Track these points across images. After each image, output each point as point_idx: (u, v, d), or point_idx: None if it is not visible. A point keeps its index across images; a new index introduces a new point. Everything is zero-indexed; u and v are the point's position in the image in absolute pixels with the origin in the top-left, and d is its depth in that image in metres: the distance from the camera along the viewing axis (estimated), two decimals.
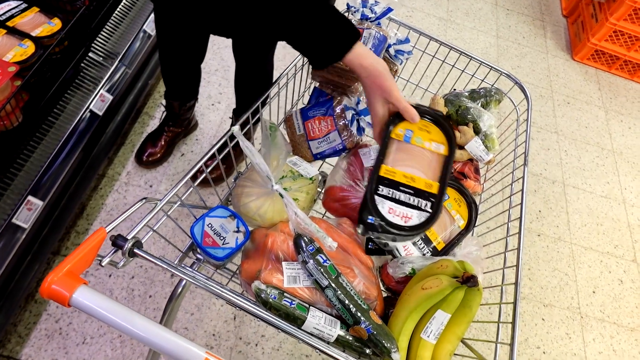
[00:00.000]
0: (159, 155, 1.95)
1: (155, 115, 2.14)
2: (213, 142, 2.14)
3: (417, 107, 0.98)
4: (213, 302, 1.78)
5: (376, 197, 0.91)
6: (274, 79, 1.77)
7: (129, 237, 0.74)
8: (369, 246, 1.07)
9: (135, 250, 0.74)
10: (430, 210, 0.92)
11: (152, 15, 2.00)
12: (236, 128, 0.94)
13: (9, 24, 1.46)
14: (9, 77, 1.29)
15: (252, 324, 1.77)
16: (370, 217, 0.89)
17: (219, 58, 2.43)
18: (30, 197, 1.43)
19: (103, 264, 0.72)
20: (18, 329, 1.55)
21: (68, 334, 1.58)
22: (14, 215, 1.39)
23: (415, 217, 0.92)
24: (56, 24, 1.52)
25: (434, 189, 0.94)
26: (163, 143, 1.96)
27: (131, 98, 1.88)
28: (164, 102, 1.90)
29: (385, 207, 0.90)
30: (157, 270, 1.77)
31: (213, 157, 1.00)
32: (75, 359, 1.55)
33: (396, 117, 0.98)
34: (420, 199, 0.92)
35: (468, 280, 0.91)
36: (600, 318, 2.16)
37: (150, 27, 1.97)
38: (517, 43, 3.25)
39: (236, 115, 1.90)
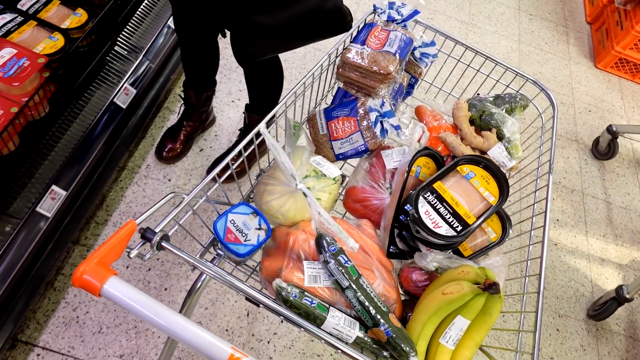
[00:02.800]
0: (178, 150, 1.96)
1: (175, 110, 2.16)
2: (232, 139, 2.15)
3: (489, 162, 1.10)
4: (227, 297, 1.79)
5: (421, 197, 1.03)
6: (292, 79, 1.78)
7: (156, 230, 0.75)
8: (390, 249, 1.07)
9: (163, 244, 0.75)
10: (458, 232, 1.01)
11: None
12: (263, 126, 0.95)
13: (39, 16, 1.48)
14: (38, 69, 1.32)
15: (264, 321, 1.78)
16: (409, 205, 1.01)
17: None
18: (54, 187, 1.45)
19: (131, 256, 0.73)
20: (37, 316, 1.57)
21: (85, 323, 1.60)
22: (38, 204, 1.41)
23: (443, 229, 1.01)
24: (82, 15, 1.54)
25: (470, 220, 1.03)
26: (182, 138, 1.98)
27: (153, 92, 1.90)
28: (182, 94, 1.91)
29: (423, 208, 1.03)
30: (173, 263, 1.79)
31: (238, 154, 1.00)
32: (91, 347, 1.58)
33: (465, 159, 1.12)
34: (455, 220, 1.02)
35: (490, 287, 0.91)
36: (616, 331, 2.13)
37: None
38: (539, 49, 3.21)
39: (248, 111, 1.90)
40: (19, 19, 1.46)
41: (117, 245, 0.69)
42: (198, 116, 1.97)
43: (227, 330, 1.72)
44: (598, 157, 2.73)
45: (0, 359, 1.39)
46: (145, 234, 0.73)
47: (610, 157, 2.69)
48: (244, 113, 1.93)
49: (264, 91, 1.82)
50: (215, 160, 1.99)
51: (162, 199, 0.79)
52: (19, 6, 1.48)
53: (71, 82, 1.49)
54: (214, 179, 0.92)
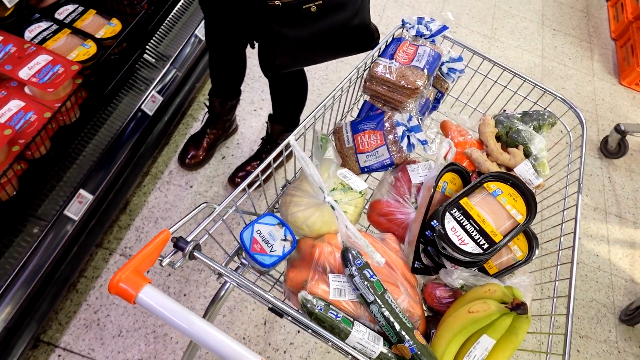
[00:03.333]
0: (201, 157, 1.99)
1: (198, 117, 2.19)
2: (253, 147, 2.17)
3: (517, 179, 1.09)
4: (245, 305, 1.79)
5: (447, 213, 1.03)
6: (314, 89, 1.79)
7: (188, 240, 0.76)
8: (415, 265, 1.07)
9: (195, 253, 0.75)
10: (484, 250, 1.00)
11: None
12: (292, 138, 0.96)
13: (75, 25, 1.52)
14: (71, 76, 1.35)
15: (281, 331, 1.78)
16: (435, 221, 1.01)
17: None
18: (81, 190, 1.48)
19: (163, 264, 0.74)
20: (59, 317, 1.60)
21: (105, 326, 1.62)
22: (66, 207, 1.44)
23: (469, 246, 1.00)
24: (116, 25, 1.58)
25: (497, 238, 1.01)
26: (205, 145, 2.00)
27: (178, 100, 1.93)
28: (207, 102, 1.94)
29: (450, 224, 1.02)
30: (193, 269, 1.80)
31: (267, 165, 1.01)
32: (110, 350, 1.59)
33: (492, 176, 1.11)
34: (481, 237, 1.01)
35: (518, 307, 0.90)
36: (639, 354, 2.08)
37: (201, 32, 2.02)
38: (562, 64, 3.19)
39: (271, 121, 1.92)
40: (54, 27, 1.50)
41: (151, 254, 0.71)
42: (222, 124, 2.00)
43: (244, 338, 1.73)
44: (607, 156, 2.76)
45: (22, 359, 1.41)
46: (178, 243, 0.74)
47: (622, 155, 2.72)
48: (266, 122, 1.95)
49: (288, 102, 1.84)
50: (236, 169, 2.00)
51: (195, 209, 0.81)
52: (56, 15, 1.53)
53: (102, 89, 1.53)
54: (243, 190, 0.93)
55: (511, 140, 1.30)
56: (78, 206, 1.46)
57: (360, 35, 1.36)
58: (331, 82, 2.54)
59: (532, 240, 1.10)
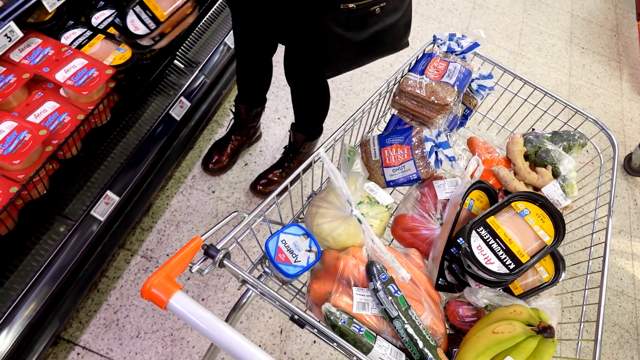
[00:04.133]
0: (224, 163, 2.01)
1: (223, 123, 2.21)
2: (276, 155, 2.18)
3: (546, 200, 1.08)
4: (262, 313, 1.80)
5: (474, 231, 1.01)
6: (337, 100, 1.79)
7: (219, 247, 0.76)
8: (439, 282, 1.06)
9: (225, 262, 0.76)
10: (510, 270, 0.98)
11: None
12: (322, 151, 0.96)
13: (109, 31, 1.56)
14: (106, 79, 1.38)
15: (297, 340, 1.78)
16: (461, 239, 1.00)
17: None
18: (108, 192, 1.51)
19: (193, 271, 0.75)
20: (80, 315, 1.62)
21: (124, 326, 1.64)
22: (93, 207, 1.47)
23: (495, 266, 0.98)
24: None
25: (524, 258, 1.00)
26: (229, 151, 2.02)
27: (205, 106, 1.96)
28: (233, 108, 1.96)
29: (476, 242, 1.01)
30: (212, 274, 1.81)
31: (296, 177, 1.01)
32: (128, 351, 1.61)
33: (520, 195, 1.09)
34: (507, 257, 1.00)
35: (545, 331, 0.88)
36: None
37: (230, 40, 2.05)
38: (590, 83, 3.14)
39: (294, 130, 1.93)
40: (88, 33, 1.54)
41: (182, 260, 0.71)
42: (246, 131, 2.02)
43: (260, 346, 1.72)
44: (630, 173, 2.73)
45: (43, 355, 1.43)
46: (209, 251, 0.75)
47: None
48: (289, 131, 1.96)
49: (310, 111, 1.84)
50: (258, 176, 2.02)
51: (226, 217, 0.81)
52: (92, 19, 1.57)
53: (133, 93, 1.56)
54: (272, 200, 0.93)
55: (540, 160, 1.28)
56: (104, 207, 1.49)
57: (402, 35, 1.36)
58: (355, 93, 2.55)
59: (559, 262, 1.08)
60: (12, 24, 1.22)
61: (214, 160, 2.00)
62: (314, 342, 1.78)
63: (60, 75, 1.35)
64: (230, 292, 1.79)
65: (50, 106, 1.34)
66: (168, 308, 0.65)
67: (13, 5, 1.24)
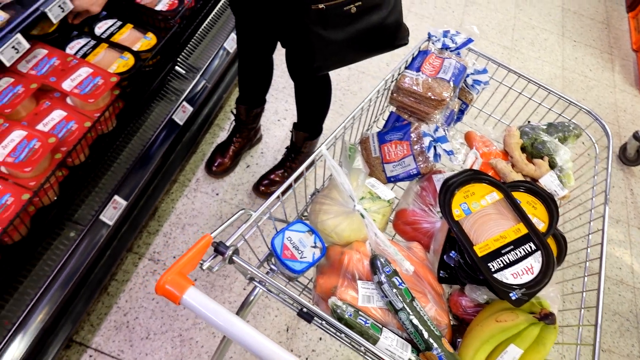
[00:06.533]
0: (227, 165, 2.04)
1: (225, 127, 2.25)
2: (277, 156, 2.21)
3: (532, 184, 1.05)
4: (268, 311, 1.83)
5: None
6: (335, 100, 1.83)
7: (228, 245, 0.80)
8: (441, 274, 1.09)
9: (234, 258, 0.79)
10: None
11: (232, 33, 2.11)
12: (324, 148, 1.00)
13: (112, 39, 1.60)
14: (110, 87, 1.41)
15: (303, 338, 1.81)
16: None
17: (287, 77, 2.51)
18: (116, 197, 1.54)
19: (204, 268, 0.78)
20: (91, 318, 1.65)
21: (134, 328, 1.67)
22: (101, 212, 1.50)
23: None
24: (152, 38, 1.65)
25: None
26: (231, 153, 2.06)
27: (207, 110, 2.00)
28: (234, 110, 2.00)
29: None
30: (218, 275, 1.85)
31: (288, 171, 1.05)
32: (138, 352, 1.64)
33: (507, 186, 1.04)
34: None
35: (546, 317, 0.91)
36: None
37: (229, 44, 2.08)
38: (583, 75, 3.18)
39: (295, 128, 1.96)
40: (92, 42, 1.57)
41: (194, 257, 0.75)
42: (247, 133, 2.05)
43: None
44: (625, 163, 2.76)
45: (56, 359, 1.46)
46: (218, 248, 0.78)
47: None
48: (291, 131, 1.99)
49: (312, 108, 1.88)
50: (261, 177, 2.05)
51: (233, 216, 0.85)
52: (95, 29, 1.60)
53: (137, 99, 1.59)
54: (277, 198, 0.97)
55: (536, 152, 1.32)
56: (113, 211, 1.52)
57: (394, 33, 1.39)
58: (352, 92, 2.58)
59: (560, 242, 1.09)
60: (19, 35, 1.26)
61: (216, 163, 2.03)
62: (320, 339, 1.81)
63: (67, 84, 1.38)
64: (236, 292, 1.83)
65: (57, 115, 1.38)
66: (182, 303, 0.69)
67: (19, 17, 1.27)
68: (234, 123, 2.06)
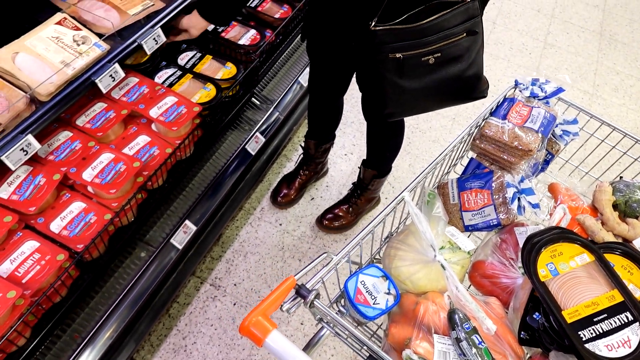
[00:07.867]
0: (292, 197, 2.06)
1: (292, 158, 2.28)
2: (342, 191, 2.20)
3: (629, 247, 0.99)
4: (324, 350, 1.78)
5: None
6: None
7: (310, 288, 0.78)
8: (522, 335, 1.01)
9: (315, 302, 0.77)
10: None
11: (307, 68, 2.17)
12: (407, 195, 0.97)
13: (195, 70, 1.68)
14: (193, 117, 1.48)
15: None
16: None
17: (356, 111, 2.53)
18: (187, 221, 1.58)
19: (283, 309, 0.77)
20: (151, 339, 1.68)
21: (191, 353, 1.68)
22: (172, 235, 1.54)
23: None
24: (231, 67, 1.72)
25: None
26: (297, 185, 2.07)
27: (277, 141, 2.03)
28: (302, 144, 2.02)
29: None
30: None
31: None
32: None
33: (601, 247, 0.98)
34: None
35: None
36: None
37: (303, 78, 2.13)
38: None
39: (365, 166, 1.95)
40: (178, 72, 1.66)
41: (277, 299, 0.74)
42: (314, 166, 2.06)
43: None
44: None
45: None
46: (300, 291, 0.77)
47: None
48: (359, 167, 1.98)
49: (384, 148, 1.86)
50: (325, 211, 2.04)
51: (316, 259, 0.84)
52: (179, 61, 1.69)
53: (214, 128, 1.65)
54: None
55: (630, 210, 1.22)
56: (183, 236, 1.56)
57: (473, 86, 1.36)
58: (421, 131, 2.55)
59: None
60: (116, 65, 1.34)
61: (282, 194, 2.05)
62: None
63: (154, 112, 1.46)
64: (293, 327, 1.80)
65: (142, 140, 1.45)
66: (264, 346, 0.67)
67: (118, 48, 1.36)
68: (302, 155, 2.08)
